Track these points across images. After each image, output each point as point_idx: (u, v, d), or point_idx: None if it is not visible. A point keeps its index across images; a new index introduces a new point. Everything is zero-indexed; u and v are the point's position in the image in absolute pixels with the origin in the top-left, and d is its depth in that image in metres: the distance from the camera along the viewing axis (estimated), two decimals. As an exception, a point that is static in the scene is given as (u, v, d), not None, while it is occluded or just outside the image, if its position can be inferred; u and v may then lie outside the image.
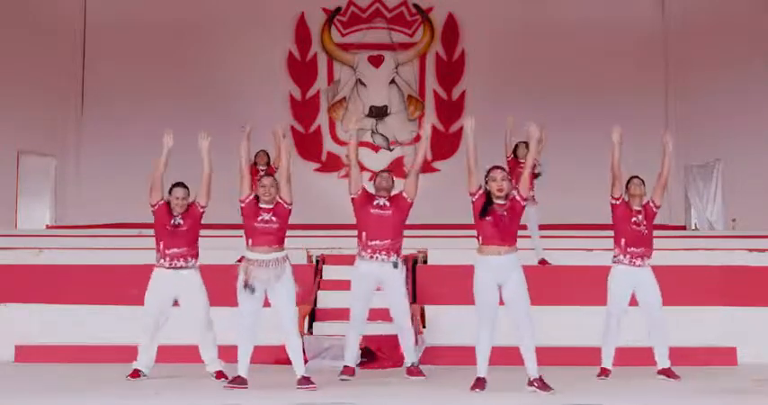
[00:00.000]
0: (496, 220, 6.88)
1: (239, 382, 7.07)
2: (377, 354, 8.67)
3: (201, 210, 7.89)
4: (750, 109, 15.43)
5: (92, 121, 17.39)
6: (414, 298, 9.97)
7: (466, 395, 6.83)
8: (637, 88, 17.12)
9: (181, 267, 7.66)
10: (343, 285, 9.42)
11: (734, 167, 15.78)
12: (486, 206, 6.95)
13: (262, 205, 7.35)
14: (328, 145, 17.67)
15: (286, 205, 7.38)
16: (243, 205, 7.40)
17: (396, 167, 17.54)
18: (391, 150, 17.64)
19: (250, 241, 7.28)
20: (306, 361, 8.44)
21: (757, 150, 15.20)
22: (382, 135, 17.65)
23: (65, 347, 9.04)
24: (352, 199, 7.90)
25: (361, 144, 17.69)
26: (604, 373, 7.76)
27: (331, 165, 17.58)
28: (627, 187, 8.09)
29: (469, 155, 7.23)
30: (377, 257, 7.73)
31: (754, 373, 8.11)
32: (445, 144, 17.51)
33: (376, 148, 17.67)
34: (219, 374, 7.65)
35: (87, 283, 9.93)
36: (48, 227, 16.25)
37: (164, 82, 17.12)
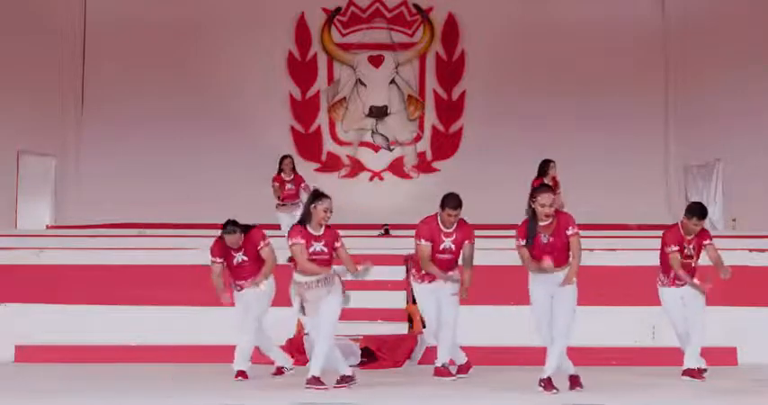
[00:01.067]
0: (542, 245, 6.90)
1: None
2: (377, 354, 8.68)
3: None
4: (750, 109, 15.42)
5: (92, 121, 17.38)
6: (414, 298, 9.97)
7: (466, 395, 6.84)
8: (637, 88, 17.11)
9: None
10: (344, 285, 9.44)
11: (734, 167, 15.78)
12: (531, 233, 6.91)
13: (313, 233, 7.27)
14: (328, 145, 17.67)
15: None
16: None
17: (396, 167, 17.59)
18: (391, 150, 17.64)
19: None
20: (306, 361, 8.48)
21: (757, 150, 15.20)
22: (382, 135, 17.65)
23: (65, 347, 9.05)
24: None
25: (362, 144, 17.72)
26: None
27: (331, 165, 17.58)
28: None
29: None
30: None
31: (754, 373, 8.11)
32: (445, 144, 17.53)
33: (376, 148, 17.67)
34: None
35: (87, 283, 9.93)
36: (48, 227, 16.24)
37: (164, 82, 17.12)
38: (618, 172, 16.45)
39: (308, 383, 6.95)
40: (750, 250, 10.98)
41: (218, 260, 7.80)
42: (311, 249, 7.12)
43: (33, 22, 16.44)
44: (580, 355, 8.50)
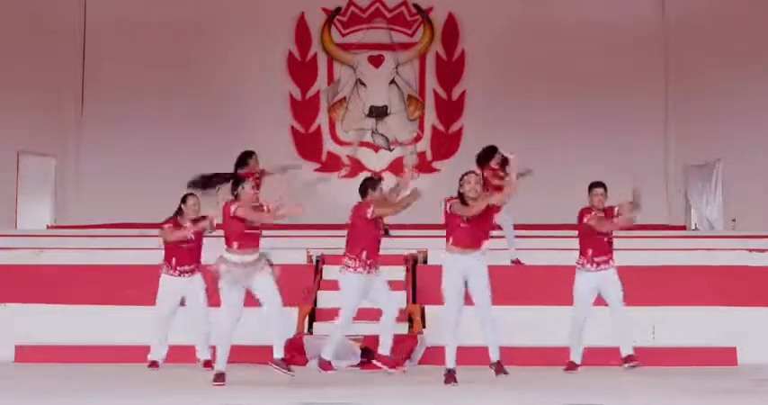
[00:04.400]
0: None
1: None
2: (377, 354, 8.67)
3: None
4: (750, 109, 15.42)
5: (92, 121, 17.38)
6: (414, 298, 9.98)
7: (466, 395, 6.84)
8: (637, 88, 17.11)
9: None
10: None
11: (734, 167, 15.77)
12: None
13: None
14: (328, 145, 17.66)
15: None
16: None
17: (396, 167, 17.57)
18: (391, 150, 17.63)
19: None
20: (306, 361, 8.49)
21: (757, 150, 15.20)
22: (382, 135, 17.64)
23: (65, 347, 9.05)
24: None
25: (361, 144, 17.72)
26: None
27: (331, 165, 17.57)
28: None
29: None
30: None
31: (754, 373, 8.12)
32: (445, 144, 17.52)
33: (376, 148, 17.66)
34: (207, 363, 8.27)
35: (87, 283, 9.94)
36: (48, 227, 16.25)
37: (164, 82, 17.11)
38: (617, 172, 16.40)
39: (273, 363, 7.30)
40: (750, 250, 10.99)
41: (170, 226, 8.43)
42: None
43: (33, 22, 16.44)
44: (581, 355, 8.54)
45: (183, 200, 8.53)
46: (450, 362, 7.35)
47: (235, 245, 7.33)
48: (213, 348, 7.82)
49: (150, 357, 8.45)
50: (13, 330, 9.39)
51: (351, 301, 7.95)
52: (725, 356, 8.84)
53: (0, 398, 6.60)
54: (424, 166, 17.50)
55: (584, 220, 8.11)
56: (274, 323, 7.37)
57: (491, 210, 7.51)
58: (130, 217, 15.41)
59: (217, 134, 16.81)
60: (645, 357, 8.24)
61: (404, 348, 8.70)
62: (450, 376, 7.31)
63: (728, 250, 11.25)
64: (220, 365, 7.31)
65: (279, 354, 7.36)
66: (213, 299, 7.92)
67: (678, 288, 9.65)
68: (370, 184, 8.11)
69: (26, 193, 16.42)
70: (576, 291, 8.14)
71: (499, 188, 9.23)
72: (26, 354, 9.04)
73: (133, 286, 9.67)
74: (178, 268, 8.38)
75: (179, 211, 8.53)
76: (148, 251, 10.99)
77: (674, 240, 12.94)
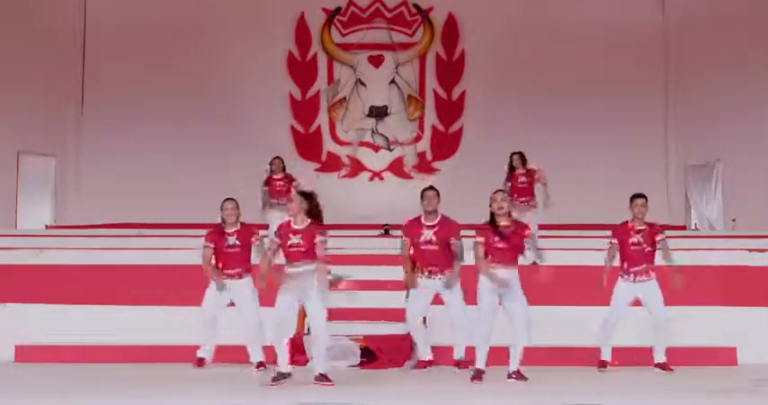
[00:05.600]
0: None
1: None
2: (377, 354, 8.67)
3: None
4: (750, 109, 15.42)
5: (92, 121, 17.39)
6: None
7: (467, 395, 6.84)
8: (637, 88, 17.12)
9: None
10: (344, 286, 9.43)
11: (734, 167, 15.78)
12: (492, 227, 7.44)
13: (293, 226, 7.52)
14: (328, 145, 17.67)
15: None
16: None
17: (396, 167, 17.59)
18: (391, 150, 17.64)
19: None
20: (306, 361, 8.48)
21: (757, 150, 15.20)
22: (382, 135, 17.65)
23: (65, 347, 9.03)
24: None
25: (362, 144, 17.72)
26: None
27: (331, 165, 17.58)
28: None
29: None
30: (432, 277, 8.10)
31: (754, 373, 8.11)
32: (445, 144, 17.53)
33: (376, 148, 17.67)
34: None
35: (87, 283, 9.93)
36: (48, 227, 16.25)
37: (163, 82, 17.12)
38: (617, 172, 16.43)
39: (316, 380, 7.21)
40: (750, 250, 10.98)
41: (209, 244, 8.30)
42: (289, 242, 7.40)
43: (33, 23, 16.45)
44: (581, 355, 8.55)
45: (222, 205, 8.47)
46: (480, 363, 7.44)
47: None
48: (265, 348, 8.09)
49: (198, 354, 8.44)
50: (13, 330, 9.38)
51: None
52: (725, 356, 8.83)
53: (0, 398, 6.60)
54: (424, 166, 17.50)
55: (612, 241, 8.31)
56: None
57: (522, 226, 7.56)
58: (130, 217, 15.42)
59: (217, 134, 16.82)
60: (645, 357, 8.25)
61: (404, 348, 8.69)
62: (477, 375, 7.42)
63: (728, 250, 11.24)
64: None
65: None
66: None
67: (678, 288, 9.63)
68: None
69: (26, 193, 16.42)
70: (614, 294, 8.21)
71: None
72: (26, 354, 9.03)
73: (134, 286, 9.66)
74: (225, 272, 8.35)
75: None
76: (149, 251, 11.00)
77: (674, 240, 12.90)
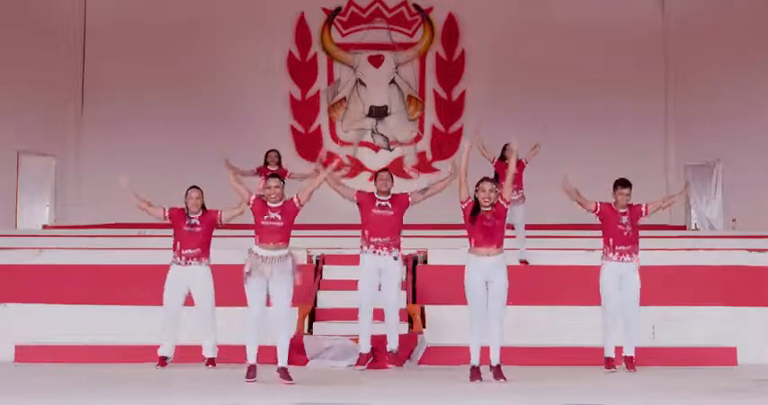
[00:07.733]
0: (484, 226, 7.37)
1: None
2: (377, 354, 8.66)
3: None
4: (750, 109, 15.43)
5: (92, 121, 17.39)
6: (414, 298, 9.98)
7: (466, 394, 6.84)
8: (637, 88, 17.12)
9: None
10: (344, 285, 9.44)
11: (734, 167, 15.78)
12: (474, 214, 7.40)
13: (270, 204, 7.49)
14: (328, 145, 17.66)
15: (296, 204, 7.57)
16: (251, 205, 7.60)
17: (396, 167, 17.57)
18: (391, 150, 17.65)
19: (257, 238, 7.45)
20: (306, 361, 8.49)
21: (757, 150, 15.21)
22: (382, 135, 17.65)
23: (65, 347, 9.03)
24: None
25: (361, 144, 17.72)
26: None
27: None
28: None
29: (462, 170, 7.57)
30: (379, 253, 8.38)
31: (754, 373, 8.11)
32: (445, 144, 17.53)
33: (376, 148, 17.67)
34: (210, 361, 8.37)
35: (87, 283, 9.93)
36: (45, 227, 16.23)
37: (163, 82, 17.12)
38: (618, 172, 16.36)
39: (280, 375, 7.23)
40: (750, 250, 10.99)
41: (166, 210, 8.65)
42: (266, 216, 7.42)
43: (33, 22, 16.46)
44: (581, 355, 8.55)
45: (186, 192, 8.67)
46: (474, 359, 7.40)
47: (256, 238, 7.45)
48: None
49: (159, 352, 8.43)
50: (13, 330, 9.38)
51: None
52: (725, 356, 8.83)
53: (0, 398, 6.60)
54: (424, 166, 17.50)
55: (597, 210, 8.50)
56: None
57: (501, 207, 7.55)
58: (130, 217, 15.38)
59: (217, 134, 16.81)
60: (645, 357, 8.25)
61: (404, 348, 8.69)
62: (475, 374, 7.39)
63: (728, 250, 11.25)
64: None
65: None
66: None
67: (678, 288, 9.64)
68: None
69: (26, 193, 16.42)
70: (600, 280, 8.16)
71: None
72: (26, 354, 9.03)
73: (134, 286, 9.66)
74: (183, 252, 8.34)
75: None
76: (149, 251, 10.99)
77: (674, 240, 12.93)
